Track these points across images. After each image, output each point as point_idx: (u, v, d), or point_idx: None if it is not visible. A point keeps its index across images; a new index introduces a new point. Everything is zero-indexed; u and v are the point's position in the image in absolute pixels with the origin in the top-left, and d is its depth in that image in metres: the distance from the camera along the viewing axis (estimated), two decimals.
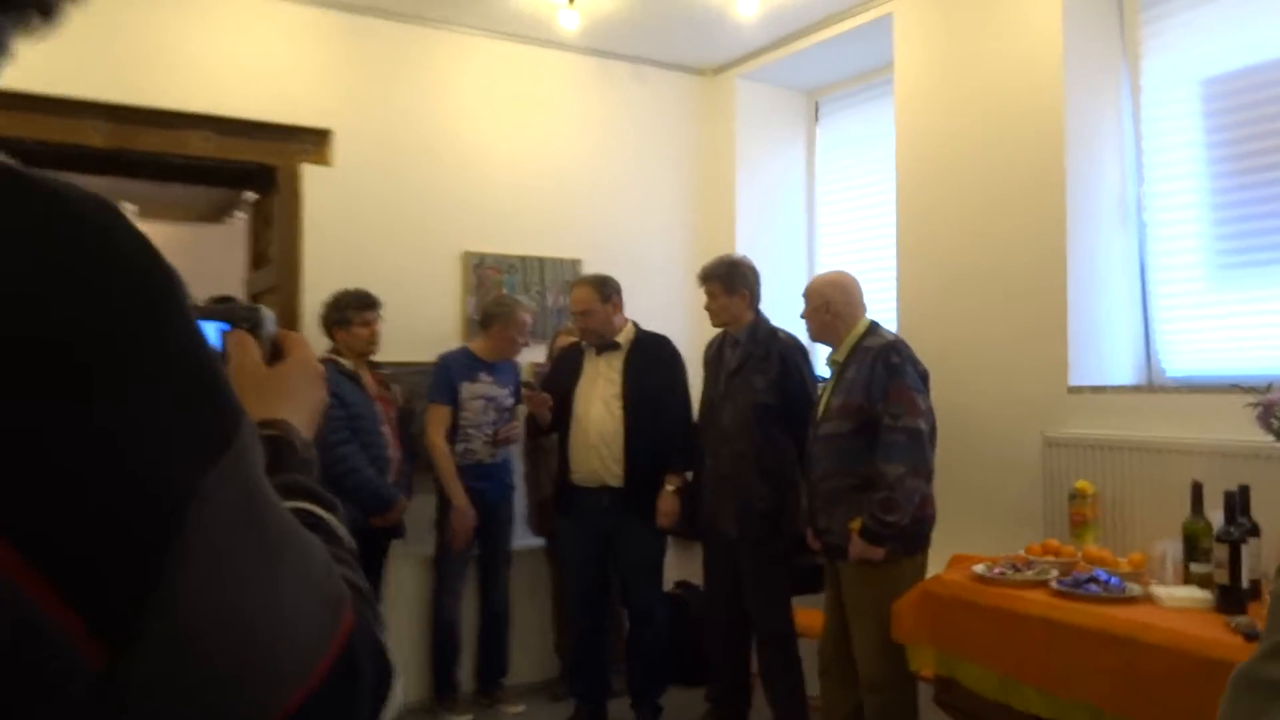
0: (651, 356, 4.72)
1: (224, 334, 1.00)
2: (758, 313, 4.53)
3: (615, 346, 4.70)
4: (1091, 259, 4.29)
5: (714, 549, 4.59)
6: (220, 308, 1.02)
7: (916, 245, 4.95)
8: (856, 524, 3.75)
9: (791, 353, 4.45)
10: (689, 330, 5.92)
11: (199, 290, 0.81)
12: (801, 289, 4.21)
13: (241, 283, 6.02)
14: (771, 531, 4.38)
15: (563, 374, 4.85)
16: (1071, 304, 4.25)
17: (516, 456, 5.40)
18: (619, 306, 4.74)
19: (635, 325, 4.80)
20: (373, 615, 0.70)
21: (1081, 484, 3.97)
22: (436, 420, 4.95)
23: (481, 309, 5.21)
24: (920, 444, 3.68)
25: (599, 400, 4.64)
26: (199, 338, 0.63)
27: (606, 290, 4.69)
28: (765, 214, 6.26)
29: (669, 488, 4.58)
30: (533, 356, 5.63)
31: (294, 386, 0.99)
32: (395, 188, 5.38)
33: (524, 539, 5.51)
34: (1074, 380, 4.25)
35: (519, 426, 5.19)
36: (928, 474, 3.77)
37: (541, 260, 5.75)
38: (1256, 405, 3.34)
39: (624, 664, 4.92)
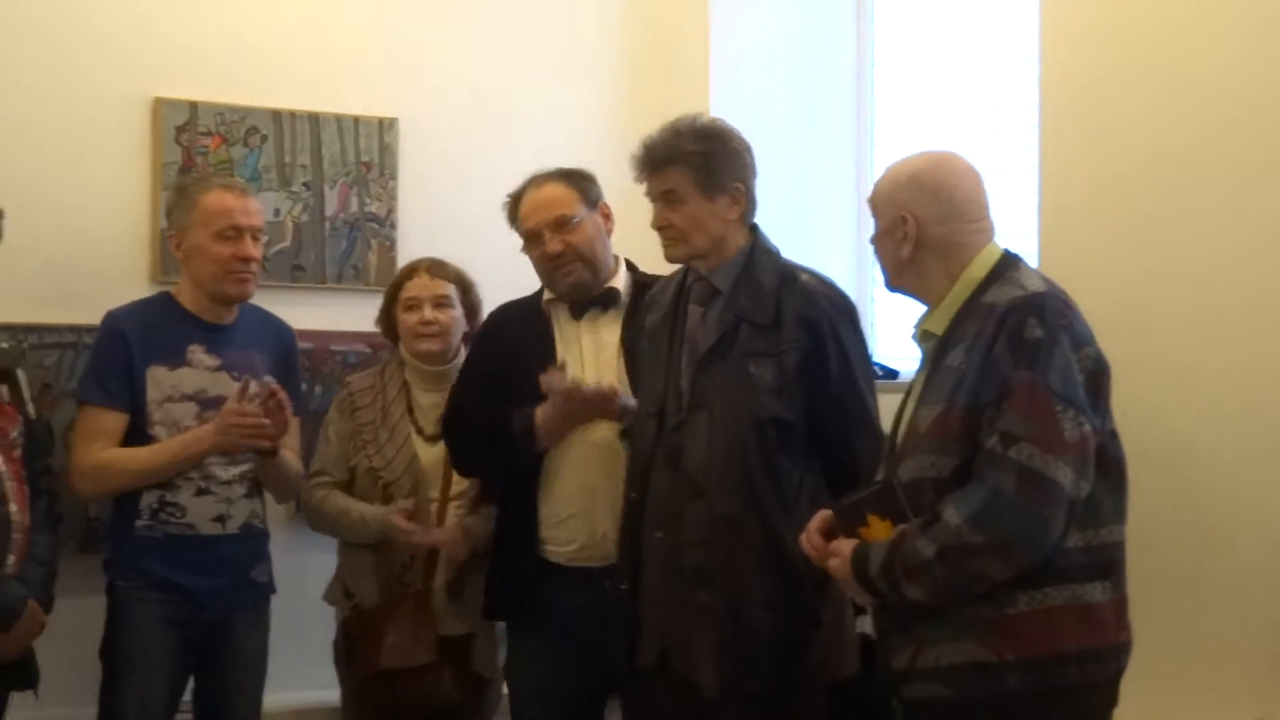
0: None
1: None
2: (755, 234, 2.78)
3: (612, 299, 3.01)
4: None
5: (656, 711, 2.76)
6: None
7: (1083, 136, 3.10)
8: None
9: (826, 315, 2.69)
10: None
11: None
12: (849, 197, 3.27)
13: None
14: (788, 680, 2.61)
15: (506, 352, 3.05)
16: None
17: (281, 518, 3.39)
18: (611, 225, 3.09)
19: (627, 262, 3.15)
20: None
21: None
22: (91, 440, 2.96)
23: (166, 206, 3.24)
24: (1042, 506, 2.10)
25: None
26: None
27: (593, 191, 3.01)
28: (768, 67, 4.20)
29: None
30: (303, 316, 3.47)
31: None
32: None
33: (300, 689, 3.40)
34: None
35: (295, 459, 3.14)
36: (1039, 568, 2.12)
37: (315, 118, 3.66)
38: None
39: None
